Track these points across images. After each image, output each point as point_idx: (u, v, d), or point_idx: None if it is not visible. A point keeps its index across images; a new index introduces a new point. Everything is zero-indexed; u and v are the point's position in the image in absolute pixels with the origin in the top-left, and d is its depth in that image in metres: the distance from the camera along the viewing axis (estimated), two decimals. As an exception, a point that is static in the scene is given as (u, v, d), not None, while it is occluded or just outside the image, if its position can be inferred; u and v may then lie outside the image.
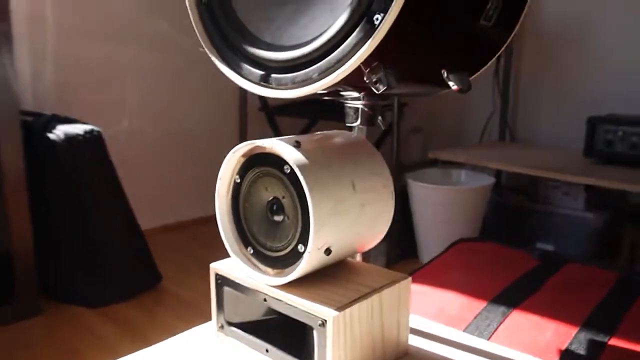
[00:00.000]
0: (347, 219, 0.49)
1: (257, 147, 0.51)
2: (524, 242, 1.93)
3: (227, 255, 0.55)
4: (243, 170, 0.53)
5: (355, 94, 0.58)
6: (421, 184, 1.69)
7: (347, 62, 0.43)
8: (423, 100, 2.58)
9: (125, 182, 1.62)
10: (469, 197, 1.71)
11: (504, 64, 2.15)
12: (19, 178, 1.24)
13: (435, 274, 0.79)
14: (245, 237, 0.54)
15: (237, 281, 0.54)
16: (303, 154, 0.48)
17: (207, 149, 2.31)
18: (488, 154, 1.82)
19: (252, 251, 0.54)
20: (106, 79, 1.93)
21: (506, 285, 0.73)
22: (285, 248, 0.50)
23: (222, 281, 0.56)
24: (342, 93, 0.58)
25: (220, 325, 0.58)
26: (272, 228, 0.52)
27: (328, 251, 0.48)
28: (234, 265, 0.55)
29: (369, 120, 0.60)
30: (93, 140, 1.31)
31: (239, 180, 0.54)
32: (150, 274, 1.54)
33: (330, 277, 0.52)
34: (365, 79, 0.47)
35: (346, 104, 0.60)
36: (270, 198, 0.52)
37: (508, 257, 0.85)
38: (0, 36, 1.19)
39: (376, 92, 0.46)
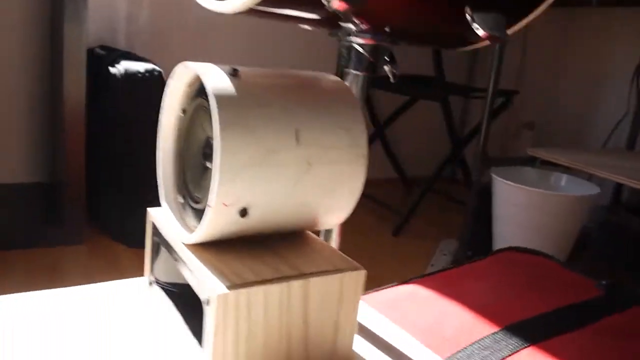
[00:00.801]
0: (278, 177, 0.37)
1: (196, 74, 0.41)
2: (629, 273, 1.62)
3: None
4: (187, 103, 0.44)
5: (350, 27, 0.45)
6: (505, 182, 1.47)
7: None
8: (540, 92, 2.27)
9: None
10: (562, 205, 1.45)
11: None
12: (79, 109, 1.28)
13: (458, 281, 0.64)
14: (179, 183, 0.46)
15: (162, 233, 0.46)
16: (234, 84, 0.37)
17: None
18: (606, 161, 1.53)
19: (182, 200, 0.45)
20: (200, 29, 1.94)
21: (539, 312, 0.56)
22: (203, 200, 0.40)
23: (154, 232, 0.48)
24: (341, 24, 0.46)
25: (150, 281, 0.50)
26: (202, 176, 0.42)
27: (244, 212, 0.37)
28: (168, 216, 0.46)
29: (365, 66, 0.47)
30: (152, 80, 1.30)
31: (182, 115, 0.45)
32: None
33: (261, 250, 0.41)
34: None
35: (340, 42, 0.48)
36: (205, 138, 0.42)
37: (561, 281, 0.66)
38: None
39: (326, 5, 0.33)
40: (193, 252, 0.40)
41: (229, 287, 0.35)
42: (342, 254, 0.44)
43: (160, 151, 0.46)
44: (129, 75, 1.29)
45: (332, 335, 0.41)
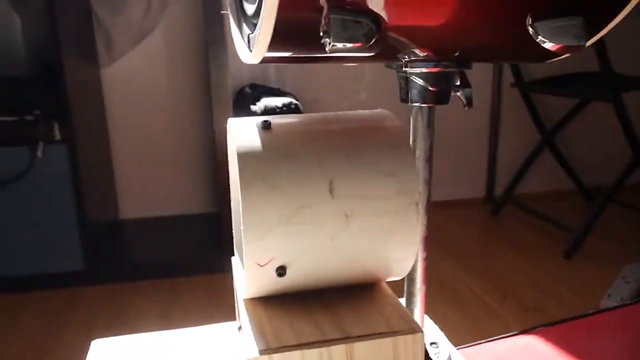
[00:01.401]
0: (312, 234, 0.35)
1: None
2: None
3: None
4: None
5: (405, 57, 0.41)
6: None
7: None
8: None
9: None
10: None
11: None
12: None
13: (593, 333, 0.52)
14: (246, 234, 0.46)
15: (234, 283, 0.46)
16: (262, 138, 0.36)
17: (458, 130, 2.15)
18: None
19: (248, 251, 0.45)
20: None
21: None
22: (253, 256, 0.40)
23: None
24: (398, 56, 0.42)
25: (238, 327, 0.51)
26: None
27: (281, 271, 0.36)
28: (238, 266, 0.47)
29: (429, 97, 0.42)
30: (289, 113, 1.36)
31: (243, 166, 0.45)
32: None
33: (318, 305, 0.39)
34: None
35: (398, 73, 0.44)
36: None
37: None
38: (216, 25, 1.36)
39: (326, 48, 0.31)
40: (246, 306, 0.40)
41: (262, 352, 0.34)
42: (404, 310, 0.39)
43: (233, 202, 0.48)
44: (267, 111, 1.38)
45: (391, 405, 0.36)
